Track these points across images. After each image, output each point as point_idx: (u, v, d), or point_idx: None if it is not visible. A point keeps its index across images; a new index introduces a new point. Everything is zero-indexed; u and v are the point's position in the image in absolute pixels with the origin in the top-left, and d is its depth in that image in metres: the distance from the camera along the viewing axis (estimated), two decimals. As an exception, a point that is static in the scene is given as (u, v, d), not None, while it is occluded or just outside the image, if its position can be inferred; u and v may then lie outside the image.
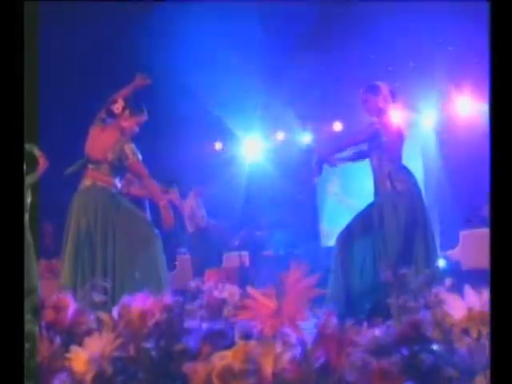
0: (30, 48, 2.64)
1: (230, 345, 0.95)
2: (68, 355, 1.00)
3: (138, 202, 6.60)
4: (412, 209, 5.31)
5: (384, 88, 5.42)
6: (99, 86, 6.94)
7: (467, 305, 0.88)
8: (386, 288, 5.26)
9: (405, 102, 9.49)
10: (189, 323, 1.04)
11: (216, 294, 1.20)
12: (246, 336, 0.96)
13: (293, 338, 0.88)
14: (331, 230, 9.84)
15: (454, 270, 8.52)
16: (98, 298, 1.26)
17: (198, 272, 8.37)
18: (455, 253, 8.81)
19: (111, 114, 4.89)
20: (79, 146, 4.93)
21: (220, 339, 1.00)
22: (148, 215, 6.66)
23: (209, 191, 8.88)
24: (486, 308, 0.88)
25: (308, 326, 0.99)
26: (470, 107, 9.55)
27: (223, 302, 1.15)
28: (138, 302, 1.06)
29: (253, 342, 0.87)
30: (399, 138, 5.41)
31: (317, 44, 9.88)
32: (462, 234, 8.87)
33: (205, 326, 1.02)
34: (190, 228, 8.48)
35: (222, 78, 10.10)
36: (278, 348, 0.84)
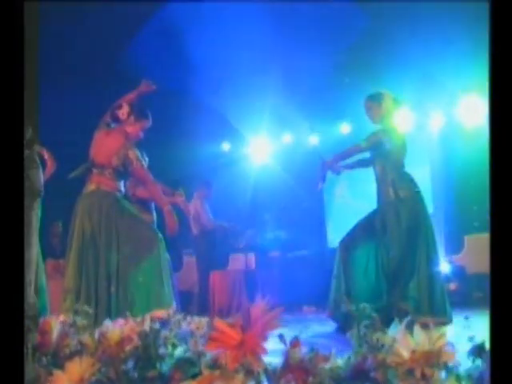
0: (30, 50, 2.66)
1: (199, 372, 1.01)
2: (50, 379, 1.06)
3: (144, 203, 6.66)
4: (414, 216, 5.36)
5: (387, 96, 5.47)
6: (104, 89, 7.00)
7: (415, 345, 0.92)
8: (388, 295, 5.34)
9: (412, 107, 9.53)
10: (162, 350, 1.10)
11: (184, 325, 1.26)
12: (212, 366, 1.01)
13: (256, 368, 0.93)
14: (338, 232, 9.86)
15: (459, 274, 8.54)
16: (80, 322, 1.32)
17: (204, 273, 8.43)
18: (460, 257, 8.83)
19: (116, 119, 4.96)
20: (84, 150, 5.00)
21: (190, 366, 1.06)
22: (154, 217, 6.72)
23: (215, 192, 8.92)
24: (435, 347, 0.92)
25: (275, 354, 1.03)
26: (478, 111, 9.52)
27: (191, 333, 1.21)
28: (117, 328, 1.11)
29: (217, 373, 0.93)
30: (402, 146, 5.46)
31: (325, 46, 9.90)
32: (467, 238, 8.88)
33: (176, 353, 1.08)
34: (195, 229, 8.52)
35: (229, 79, 10.15)
36: (240, 379, 0.90)
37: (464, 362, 1.00)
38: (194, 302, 8.69)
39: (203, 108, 9.59)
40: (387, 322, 4.61)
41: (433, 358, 0.90)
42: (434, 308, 5.30)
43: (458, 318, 5.29)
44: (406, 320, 1.00)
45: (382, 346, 0.97)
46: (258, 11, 8.98)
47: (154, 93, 5.17)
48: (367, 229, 5.49)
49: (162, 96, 7.57)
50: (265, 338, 0.96)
